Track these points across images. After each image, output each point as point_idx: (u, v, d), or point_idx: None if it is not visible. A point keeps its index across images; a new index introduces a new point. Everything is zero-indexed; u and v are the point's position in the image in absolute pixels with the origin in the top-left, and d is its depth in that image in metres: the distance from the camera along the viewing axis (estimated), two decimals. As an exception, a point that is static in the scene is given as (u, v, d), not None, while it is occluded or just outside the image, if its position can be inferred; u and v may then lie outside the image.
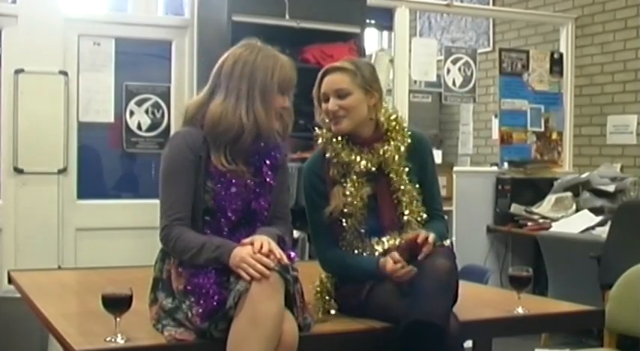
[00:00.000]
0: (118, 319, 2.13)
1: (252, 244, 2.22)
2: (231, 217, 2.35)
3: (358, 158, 2.56)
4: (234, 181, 2.35)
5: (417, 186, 2.60)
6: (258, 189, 2.40)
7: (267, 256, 2.17)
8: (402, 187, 2.57)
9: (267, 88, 2.36)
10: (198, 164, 2.34)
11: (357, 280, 2.52)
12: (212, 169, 2.34)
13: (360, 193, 2.54)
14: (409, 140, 2.61)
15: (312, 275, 2.62)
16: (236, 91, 2.36)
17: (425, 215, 2.60)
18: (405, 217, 2.56)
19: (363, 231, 2.56)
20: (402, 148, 2.59)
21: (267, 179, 2.41)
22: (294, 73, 2.44)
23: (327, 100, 2.58)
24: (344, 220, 2.55)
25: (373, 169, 2.56)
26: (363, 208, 2.55)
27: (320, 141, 2.62)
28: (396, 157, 2.58)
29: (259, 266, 2.14)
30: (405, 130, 2.64)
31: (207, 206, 2.34)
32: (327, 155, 2.59)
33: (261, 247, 2.20)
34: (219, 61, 2.44)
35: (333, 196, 2.55)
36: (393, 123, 2.63)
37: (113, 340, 2.10)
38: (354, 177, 2.55)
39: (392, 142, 2.59)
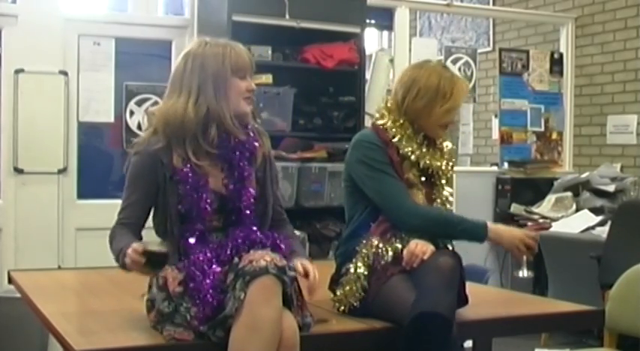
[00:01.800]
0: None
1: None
2: (206, 219, 2.33)
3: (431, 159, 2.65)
4: (201, 182, 2.32)
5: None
6: (234, 185, 2.37)
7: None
8: (444, 191, 2.67)
9: (219, 75, 2.35)
10: (160, 171, 2.34)
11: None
12: (175, 175, 2.33)
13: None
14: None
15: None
16: (187, 87, 2.35)
17: None
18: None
19: None
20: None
21: (245, 173, 2.38)
22: (248, 55, 2.41)
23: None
24: None
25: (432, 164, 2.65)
26: None
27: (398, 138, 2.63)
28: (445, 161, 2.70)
29: (132, 258, 2.15)
30: None
31: (183, 212, 2.33)
32: (407, 150, 2.62)
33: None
34: (173, 66, 2.44)
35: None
36: None
37: None
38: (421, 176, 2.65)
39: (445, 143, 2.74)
